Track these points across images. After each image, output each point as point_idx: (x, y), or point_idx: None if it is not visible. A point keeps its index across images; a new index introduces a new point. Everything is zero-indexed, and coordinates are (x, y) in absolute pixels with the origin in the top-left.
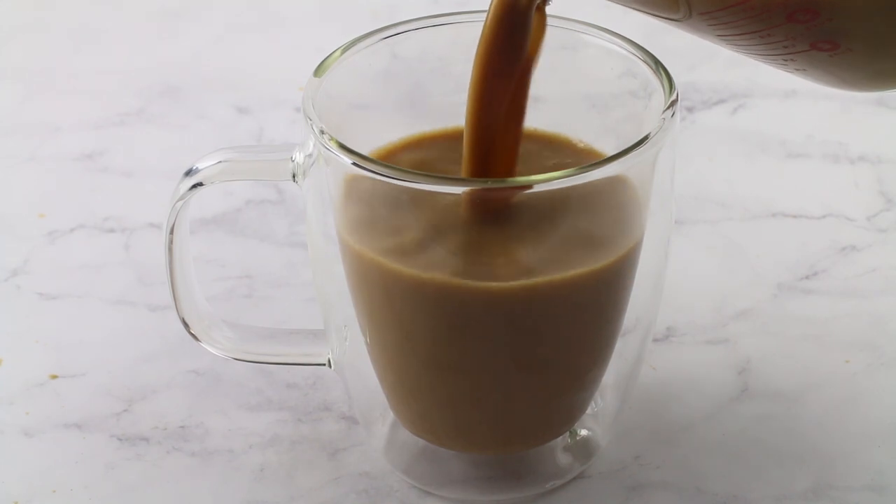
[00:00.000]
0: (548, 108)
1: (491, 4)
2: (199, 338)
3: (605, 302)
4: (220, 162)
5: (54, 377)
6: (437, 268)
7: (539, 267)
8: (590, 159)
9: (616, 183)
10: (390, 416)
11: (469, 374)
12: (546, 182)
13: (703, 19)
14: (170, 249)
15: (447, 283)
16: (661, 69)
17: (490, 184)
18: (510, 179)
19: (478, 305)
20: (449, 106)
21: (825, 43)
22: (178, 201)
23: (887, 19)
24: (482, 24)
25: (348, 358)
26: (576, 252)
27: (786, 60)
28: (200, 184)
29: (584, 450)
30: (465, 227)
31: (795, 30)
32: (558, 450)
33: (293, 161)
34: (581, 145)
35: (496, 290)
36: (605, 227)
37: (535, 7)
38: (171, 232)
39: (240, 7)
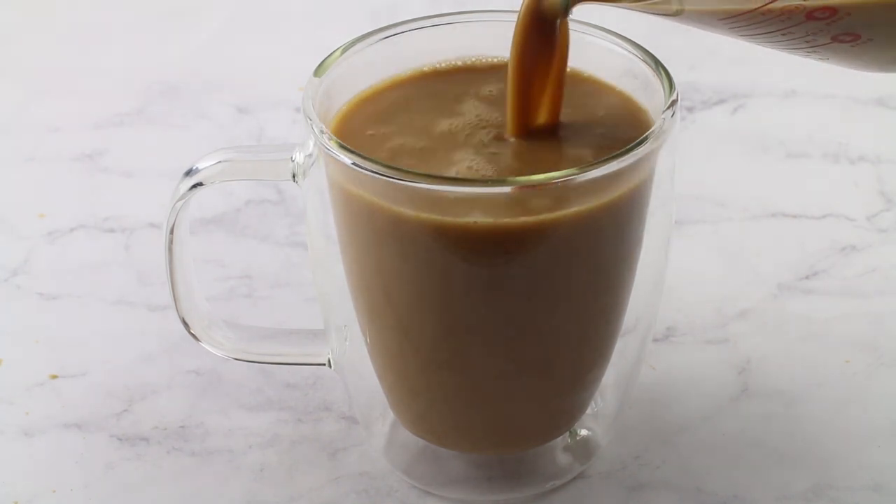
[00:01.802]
0: None
1: (518, 15)
2: (199, 338)
3: (599, 251)
4: (220, 162)
5: (54, 377)
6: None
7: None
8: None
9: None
10: (390, 416)
11: (469, 372)
12: (546, 182)
13: (723, 24)
14: (170, 249)
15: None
16: (661, 69)
17: (491, 185)
18: (510, 179)
19: (477, 244)
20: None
21: (846, 35)
22: (178, 201)
23: None
24: (482, 23)
25: (348, 358)
26: (579, 189)
27: (808, 52)
28: (200, 184)
29: (584, 450)
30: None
31: (816, 26)
32: (558, 450)
33: (293, 161)
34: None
35: (491, 227)
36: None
37: (559, 21)
38: (171, 232)
39: (240, 7)
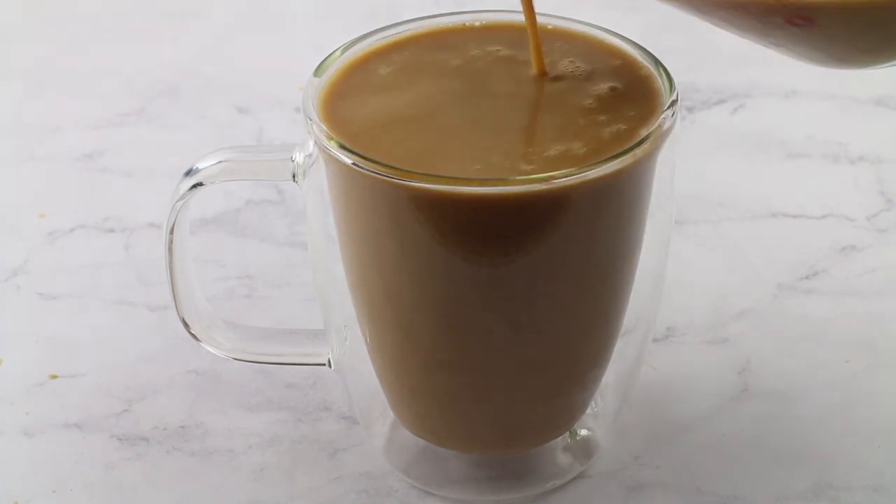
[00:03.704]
0: None
1: None
2: (199, 338)
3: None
4: (220, 162)
5: (54, 377)
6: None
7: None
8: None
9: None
10: (390, 416)
11: (469, 372)
12: (546, 181)
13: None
14: (170, 249)
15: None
16: (661, 69)
17: (491, 184)
18: (510, 178)
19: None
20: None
21: (799, 18)
22: (178, 201)
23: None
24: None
25: (348, 358)
26: (579, 188)
27: (764, 35)
28: (200, 184)
29: (584, 450)
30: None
31: (769, 6)
32: (558, 450)
33: (293, 161)
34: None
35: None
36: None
37: None
38: (171, 232)
39: (240, 7)
